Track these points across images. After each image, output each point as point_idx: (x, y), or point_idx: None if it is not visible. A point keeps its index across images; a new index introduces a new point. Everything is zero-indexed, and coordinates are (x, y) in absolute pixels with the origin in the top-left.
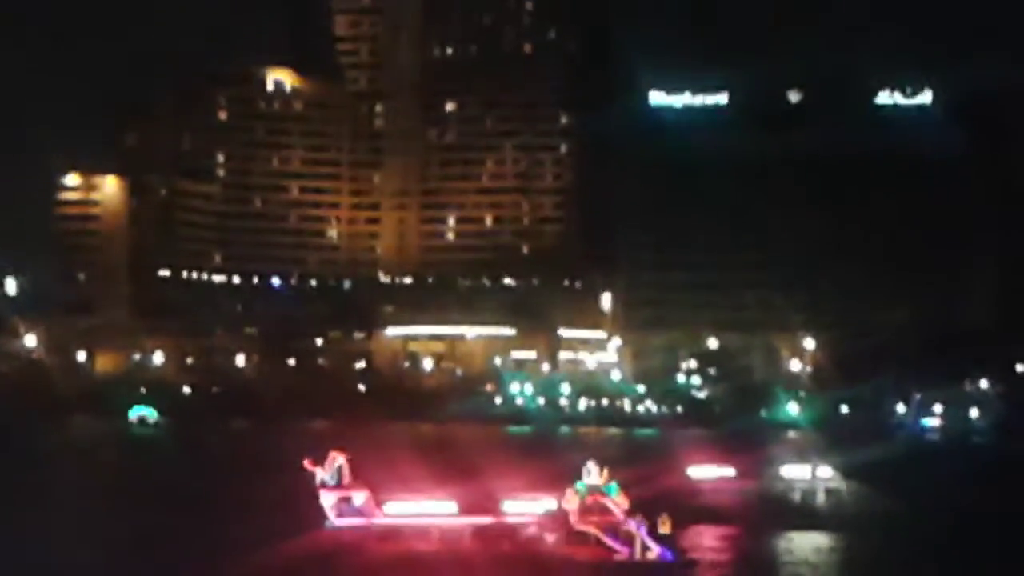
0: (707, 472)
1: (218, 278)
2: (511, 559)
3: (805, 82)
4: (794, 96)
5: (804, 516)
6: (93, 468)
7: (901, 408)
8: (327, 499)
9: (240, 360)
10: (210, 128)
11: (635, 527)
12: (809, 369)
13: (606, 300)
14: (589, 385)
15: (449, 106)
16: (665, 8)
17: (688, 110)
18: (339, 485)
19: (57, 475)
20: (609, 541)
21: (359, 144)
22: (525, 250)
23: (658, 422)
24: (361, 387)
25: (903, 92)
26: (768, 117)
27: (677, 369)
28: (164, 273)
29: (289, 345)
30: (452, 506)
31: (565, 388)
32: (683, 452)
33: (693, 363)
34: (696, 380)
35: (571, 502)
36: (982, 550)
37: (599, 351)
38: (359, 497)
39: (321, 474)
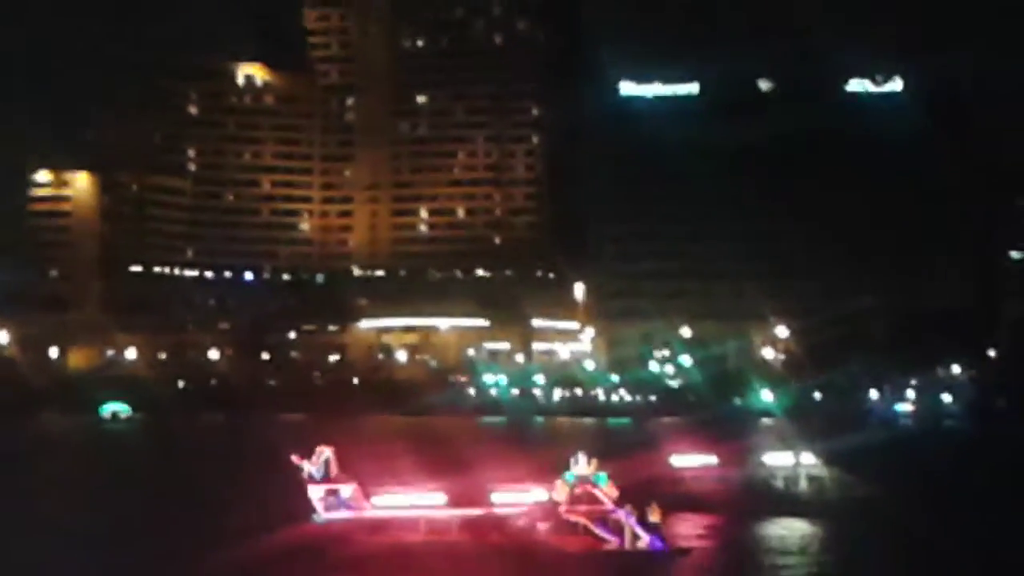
0: (690, 460)
1: (190, 273)
2: (501, 550)
3: (775, 71)
4: (764, 85)
5: (788, 503)
6: (69, 464)
7: (874, 394)
8: (315, 493)
9: (213, 355)
10: (181, 123)
11: (624, 516)
12: (782, 357)
13: (579, 290)
14: (563, 375)
15: (420, 98)
16: None
17: (659, 100)
18: (326, 478)
19: (30, 472)
20: (599, 530)
21: (330, 137)
22: (497, 241)
23: (632, 411)
24: (354, 380)
25: (873, 80)
26: (739, 106)
27: (651, 358)
28: (136, 269)
29: (262, 339)
30: (441, 498)
31: (539, 379)
32: (661, 441)
33: (666, 352)
34: (669, 369)
35: (560, 492)
36: (965, 535)
37: (572, 341)
38: (347, 490)
39: (308, 467)
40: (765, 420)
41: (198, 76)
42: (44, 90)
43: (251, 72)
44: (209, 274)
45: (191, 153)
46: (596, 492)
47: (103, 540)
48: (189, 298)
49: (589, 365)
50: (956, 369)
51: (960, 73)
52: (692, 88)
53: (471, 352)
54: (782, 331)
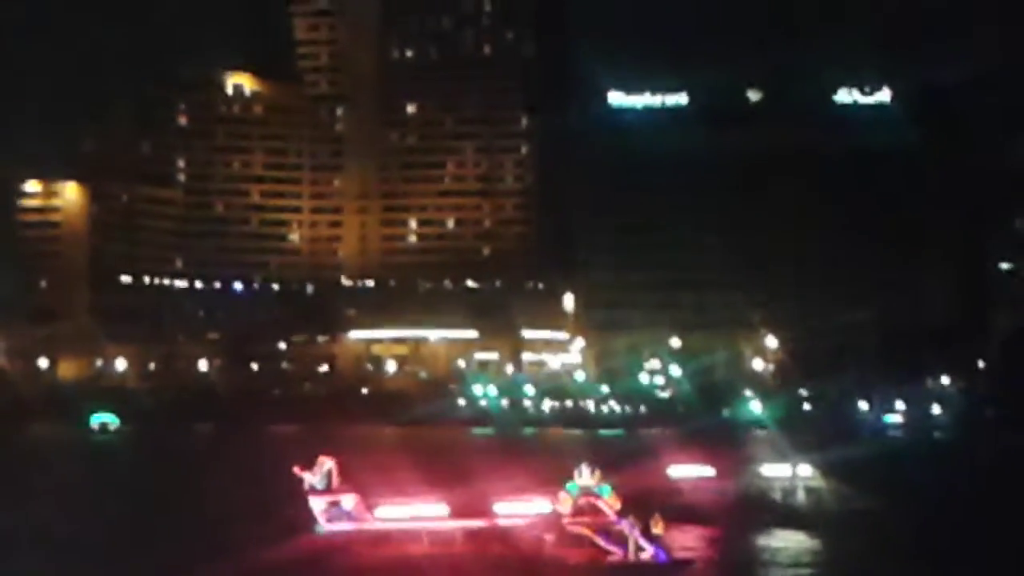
0: (687, 471)
1: (180, 283)
2: (504, 561)
3: (764, 81)
4: (754, 95)
5: (786, 515)
6: (63, 476)
7: (863, 406)
8: (316, 504)
9: (203, 365)
10: (170, 133)
11: (628, 528)
12: (771, 368)
13: (568, 301)
14: (553, 386)
15: (409, 109)
16: (624, 9)
17: (648, 110)
18: (328, 489)
19: (23, 484)
20: (602, 542)
21: (320, 147)
22: (487, 252)
23: (622, 422)
24: (343, 391)
25: (862, 91)
26: (728, 116)
27: (640, 369)
28: (126, 279)
29: (252, 350)
30: (443, 509)
31: (529, 389)
32: (654, 452)
33: (656, 363)
34: (659, 380)
35: (564, 503)
36: (964, 545)
37: (562, 352)
38: (348, 501)
39: (310, 479)
40: (754, 431)
41: (187, 86)
42: (33, 100)
43: (240, 82)
44: (199, 284)
45: (180, 163)
46: (599, 503)
47: (103, 553)
48: (179, 308)
49: (579, 376)
50: (945, 380)
51: (949, 84)
52: (681, 99)
53: (460, 363)
54: (772, 342)
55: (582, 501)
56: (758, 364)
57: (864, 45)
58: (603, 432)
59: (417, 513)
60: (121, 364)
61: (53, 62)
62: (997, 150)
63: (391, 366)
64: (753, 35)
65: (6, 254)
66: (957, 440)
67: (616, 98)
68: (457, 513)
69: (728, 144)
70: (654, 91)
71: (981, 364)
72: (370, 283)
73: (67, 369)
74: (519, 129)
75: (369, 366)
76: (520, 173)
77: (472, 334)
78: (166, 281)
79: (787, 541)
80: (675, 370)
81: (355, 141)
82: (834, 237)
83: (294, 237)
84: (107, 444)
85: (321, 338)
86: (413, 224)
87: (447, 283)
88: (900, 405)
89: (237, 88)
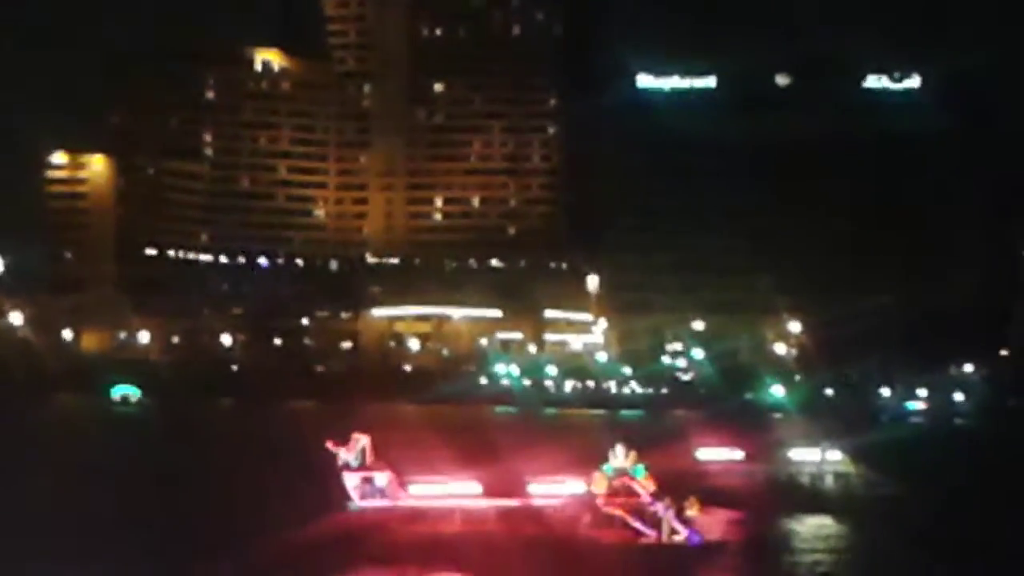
0: (716, 454)
1: (205, 257)
2: (537, 542)
3: (793, 66)
4: (782, 80)
5: (815, 500)
6: (96, 450)
7: (886, 392)
8: (350, 480)
9: (226, 339)
10: (197, 107)
11: (662, 510)
12: (794, 352)
13: (592, 282)
14: (575, 367)
15: (437, 87)
16: None
17: (676, 93)
18: (362, 466)
19: (50, 456)
20: (636, 524)
21: (346, 124)
22: (512, 232)
23: (644, 404)
24: (366, 367)
25: (891, 77)
26: (756, 101)
27: (663, 351)
28: (151, 252)
29: (275, 325)
30: (477, 487)
31: (551, 369)
32: (679, 434)
33: (679, 345)
34: (681, 362)
35: (599, 485)
36: (991, 532)
37: (585, 333)
38: (382, 478)
39: (344, 455)
40: (776, 415)
41: (216, 61)
42: (62, 72)
43: (269, 58)
44: (223, 258)
45: (207, 137)
46: (634, 485)
47: (139, 530)
48: (203, 282)
49: (601, 357)
50: (968, 368)
51: (978, 70)
52: (709, 82)
53: (483, 342)
54: (795, 326)
55: (617, 482)
56: (781, 348)
57: (894, 31)
58: (624, 413)
59: (450, 491)
60: (144, 337)
61: (82, 36)
62: None
63: (414, 344)
64: (782, 20)
65: (33, 225)
66: (979, 428)
67: (644, 80)
68: (490, 492)
69: (755, 129)
70: (683, 74)
71: (1004, 352)
72: (394, 260)
73: (90, 341)
74: (547, 109)
75: (392, 343)
76: (547, 153)
77: (496, 313)
78: (191, 255)
79: (815, 526)
80: (697, 353)
81: (382, 118)
82: (860, 222)
83: (319, 213)
84: (128, 416)
85: (344, 314)
86: (438, 202)
87: (471, 262)
88: (922, 392)
89: (266, 64)
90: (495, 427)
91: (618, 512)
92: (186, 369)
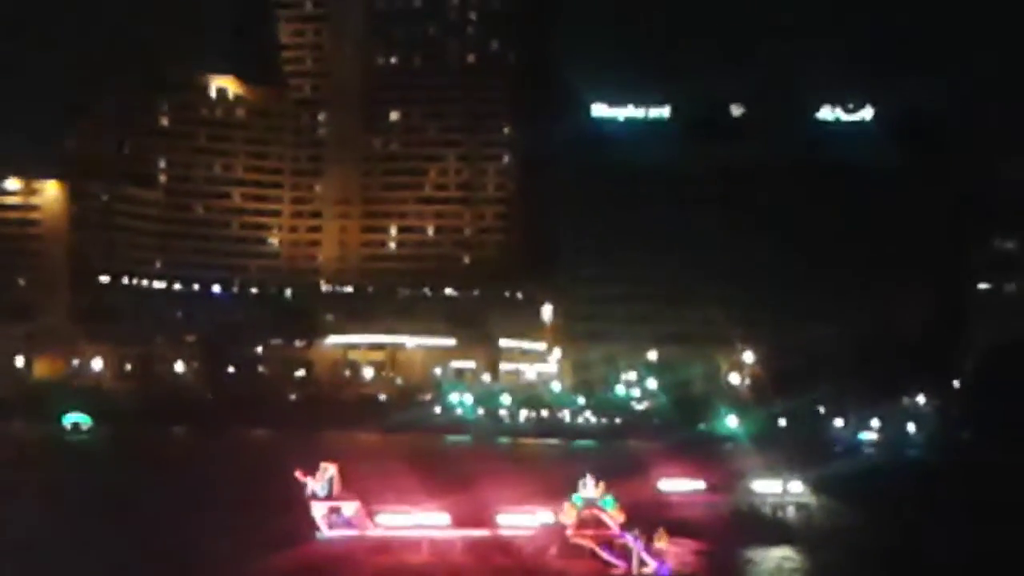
0: (678, 485)
1: (159, 284)
2: (505, 572)
3: (747, 96)
4: (736, 110)
5: (777, 530)
6: (45, 478)
7: (839, 422)
8: (318, 510)
9: (180, 367)
10: (152, 134)
11: (632, 541)
12: (748, 382)
13: (547, 311)
14: (529, 396)
15: (392, 115)
16: (608, 21)
17: (630, 123)
18: (330, 496)
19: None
20: (605, 555)
21: (301, 152)
22: (467, 260)
23: (598, 434)
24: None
25: (844, 108)
26: (710, 131)
27: (617, 381)
28: (104, 279)
29: (229, 352)
30: (444, 518)
31: (505, 399)
32: (639, 464)
33: (633, 375)
34: (635, 392)
35: (568, 515)
36: (954, 561)
37: (539, 362)
38: (349, 508)
39: (312, 485)
40: (729, 445)
41: (170, 87)
42: (15, 98)
43: (224, 85)
44: (177, 286)
45: (162, 164)
46: (603, 516)
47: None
48: (157, 310)
49: (555, 386)
50: (921, 399)
51: (931, 101)
52: (664, 111)
53: (437, 371)
54: (749, 357)
55: (586, 513)
56: (735, 378)
57: (847, 63)
58: (578, 443)
59: (418, 521)
60: (97, 364)
61: (36, 61)
62: (977, 168)
63: (368, 372)
64: (737, 51)
65: None
66: (930, 459)
67: (599, 110)
68: (458, 522)
69: (710, 158)
70: (637, 104)
71: (957, 384)
72: (349, 289)
73: (43, 368)
74: (502, 138)
75: (346, 372)
76: (502, 182)
77: (450, 342)
78: (145, 282)
79: (779, 557)
80: (652, 383)
81: (337, 146)
82: (814, 253)
83: (274, 241)
84: (80, 444)
85: (298, 343)
86: (393, 231)
87: (426, 290)
88: (875, 423)
89: (221, 91)
90: (452, 457)
91: (587, 543)
92: (139, 397)
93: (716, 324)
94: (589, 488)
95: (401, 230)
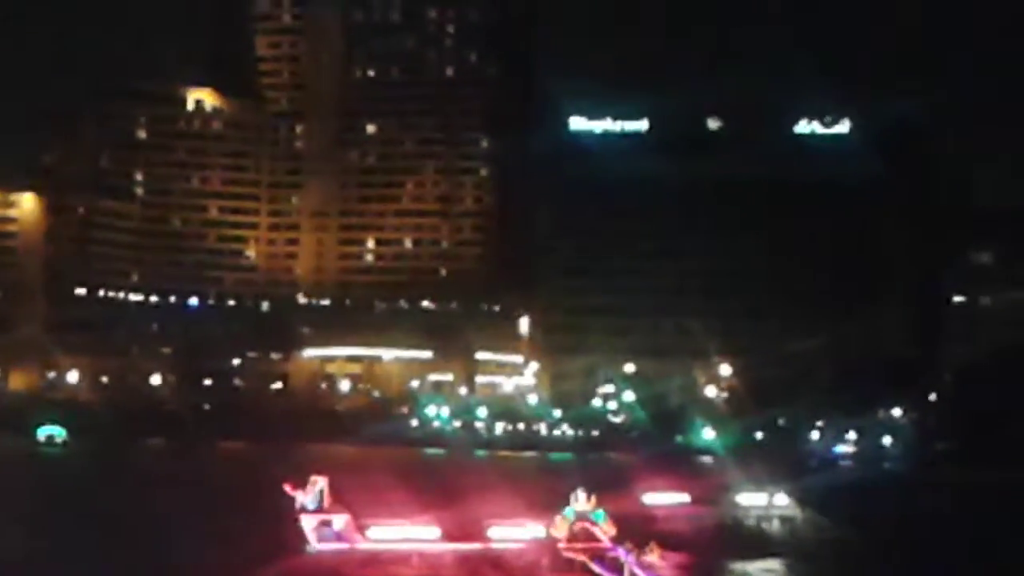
0: (662, 498)
1: (135, 297)
2: None
3: (725, 110)
4: (713, 124)
5: (762, 544)
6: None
7: (815, 435)
8: (308, 523)
9: (156, 380)
10: (129, 146)
11: (623, 555)
12: (725, 395)
13: (524, 324)
14: (506, 409)
15: (370, 128)
16: (587, 34)
17: (608, 136)
18: (320, 509)
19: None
20: (597, 568)
21: (278, 164)
22: (444, 273)
23: (574, 446)
24: (296, 408)
25: (821, 122)
26: (687, 144)
27: (594, 394)
28: (80, 291)
29: (205, 365)
30: (435, 531)
31: (482, 411)
32: (619, 477)
33: (610, 388)
34: (612, 405)
35: (560, 528)
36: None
37: (516, 375)
38: (339, 521)
39: (302, 498)
40: (706, 458)
41: (147, 100)
42: None
43: (201, 97)
44: (154, 298)
45: (138, 177)
46: (594, 529)
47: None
48: (133, 322)
49: (532, 399)
50: (897, 412)
51: (908, 116)
52: (641, 125)
53: (414, 383)
54: (725, 370)
55: (577, 527)
56: (711, 391)
57: (825, 77)
58: (554, 456)
59: (409, 534)
60: (73, 376)
61: (12, 73)
62: (954, 183)
63: (345, 385)
64: (715, 64)
65: None
66: (905, 472)
67: (577, 123)
68: (449, 536)
69: (687, 172)
70: (615, 117)
71: (933, 397)
72: (325, 301)
73: (18, 380)
74: (479, 151)
75: (323, 384)
76: (479, 195)
77: (427, 355)
78: (121, 294)
79: (764, 570)
80: (629, 395)
81: (314, 159)
82: (790, 266)
83: (251, 254)
84: (53, 456)
85: (275, 355)
86: (370, 243)
87: (403, 303)
88: (851, 435)
89: (198, 103)
90: (431, 470)
91: (579, 556)
92: (115, 409)
93: (693, 337)
94: (581, 501)
95: (378, 243)
